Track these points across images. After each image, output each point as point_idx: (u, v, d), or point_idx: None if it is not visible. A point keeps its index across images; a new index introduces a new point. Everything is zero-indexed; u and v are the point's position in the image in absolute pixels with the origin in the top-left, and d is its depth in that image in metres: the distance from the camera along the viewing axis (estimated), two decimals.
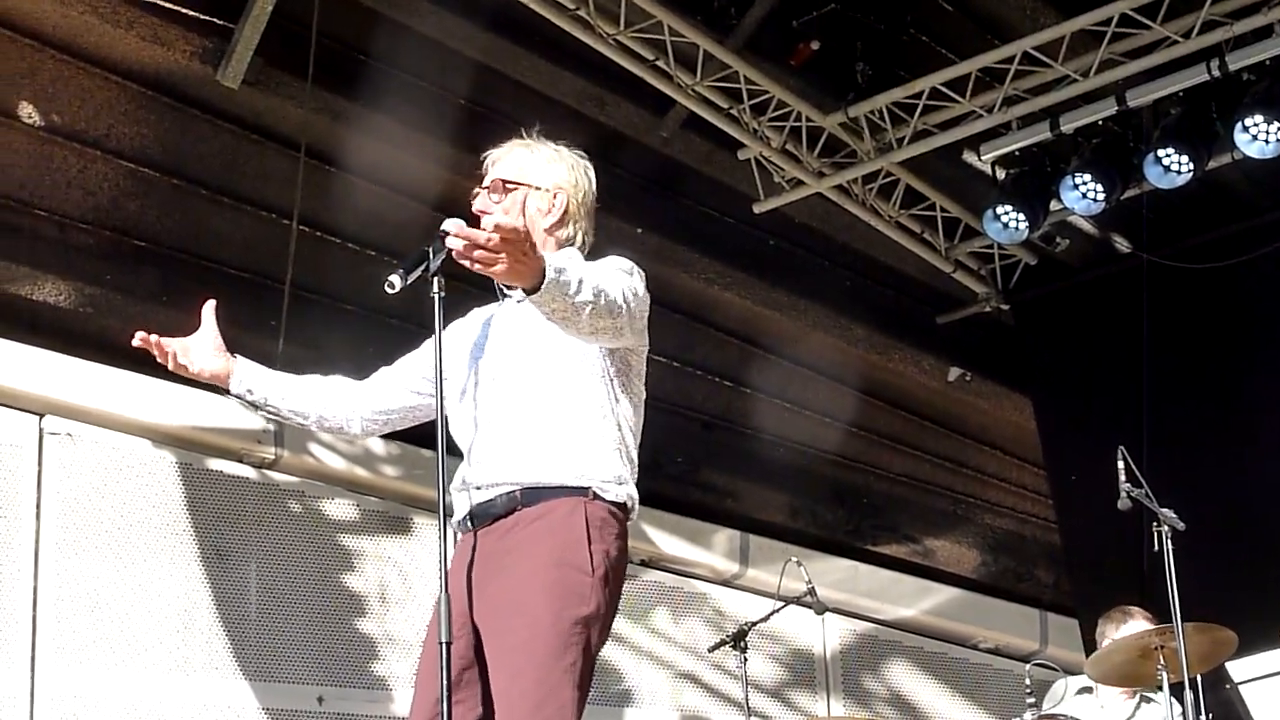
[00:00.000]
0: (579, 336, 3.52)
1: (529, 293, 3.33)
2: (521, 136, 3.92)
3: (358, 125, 7.46)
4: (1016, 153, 8.19)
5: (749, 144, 8.10)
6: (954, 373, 9.98)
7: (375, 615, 7.37)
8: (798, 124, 8.05)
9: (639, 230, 8.15)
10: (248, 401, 4.01)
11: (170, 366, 3.96)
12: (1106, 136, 8.02)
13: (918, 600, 9.86)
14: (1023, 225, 8.25)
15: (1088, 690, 6.71)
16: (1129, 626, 6.46)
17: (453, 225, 3.36)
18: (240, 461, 7.18)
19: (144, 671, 6.66)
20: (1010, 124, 8.02)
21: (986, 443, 10.54)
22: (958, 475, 10.51)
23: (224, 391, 4.01)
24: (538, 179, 3.84)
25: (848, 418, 9.70)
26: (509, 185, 3.82)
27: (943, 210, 8.80)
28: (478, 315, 3.94)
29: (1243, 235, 8.50)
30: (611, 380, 3.70)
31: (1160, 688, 5.87)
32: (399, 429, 4.07)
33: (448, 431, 3.70)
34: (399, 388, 3.98)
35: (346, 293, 7.64)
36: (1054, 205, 8.28)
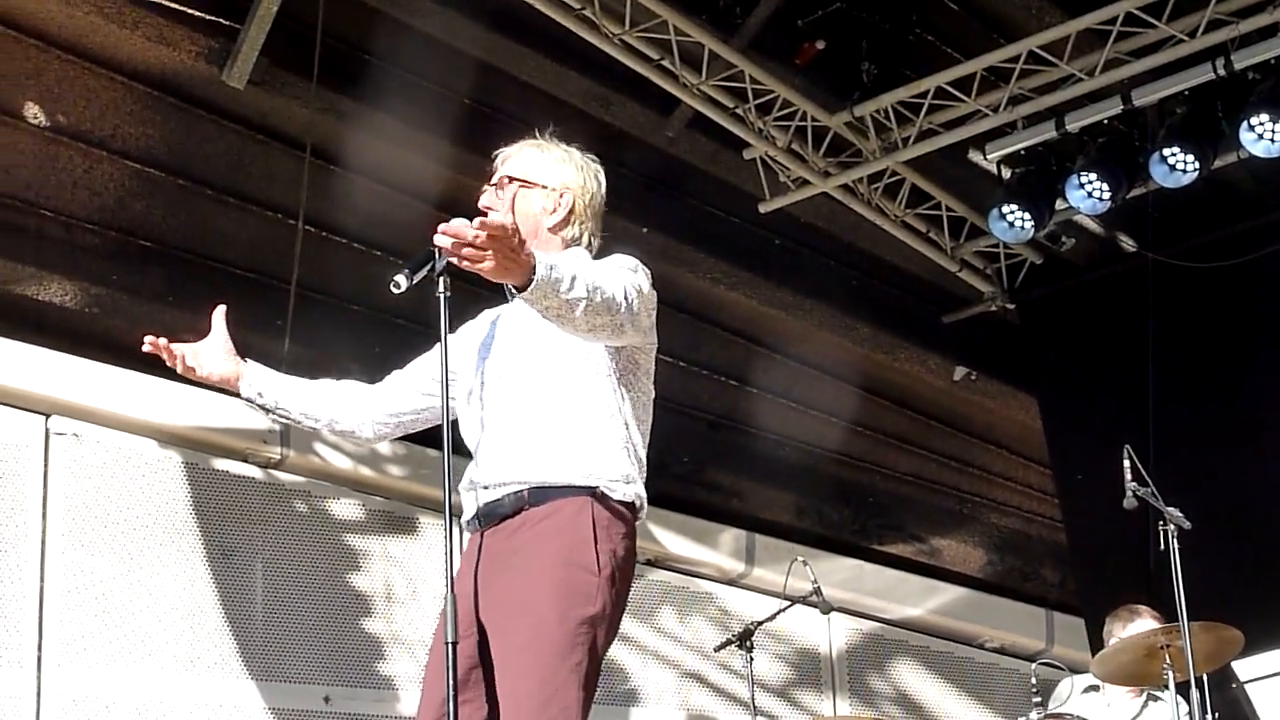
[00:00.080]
0: (578, 334, 3.52)
1: (519, 290, 3.33)
2: (534, 137, 3.92)
3: (363, 125, 7.46)
4: (1022, 152, 8.18)
5: (754, 143, 8.10)
6: (959, 372, 9.97)
7: (382, 615, 7.37)
8: (803, 123, 8.04)
9: (644, 230, 8.15)
10: (258, 405, 4.01)
11: (179, 370, 3.97)
12: (1112, 136, 8.01)
13: (923, 599, 9.86)
14: (1028, 224, 8.25)
15: (1094, 689, 6.72)
16: (1136, 625, 6.46)
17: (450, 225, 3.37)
18: (246, 461, 7.18)
19: (150, 671, 6.66)
20: (1016, 123, 8.01)
21: (992, 442, 10.53)
22: (963, 474, 10.51)
23: (232, 394, 4.02)
24: (545, 178, 3.85)
25: (853, 417, 9.70)
26: (511, 181, 3.83)
27: (948, 209, 8.79)
28: (487, 316, 3.94)
29: (1248, 234, 8.48)
30: (618, 379, 3.70)
31: (1166, 686, 5.87)
32: (411, 432, 4.07)
33: (456, 432, 3.70)
34: (410, 390, 3.98)
35: (352, 293, 7.65)
36: (1059, 204, 8.27)
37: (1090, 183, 8.00)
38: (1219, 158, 7.88)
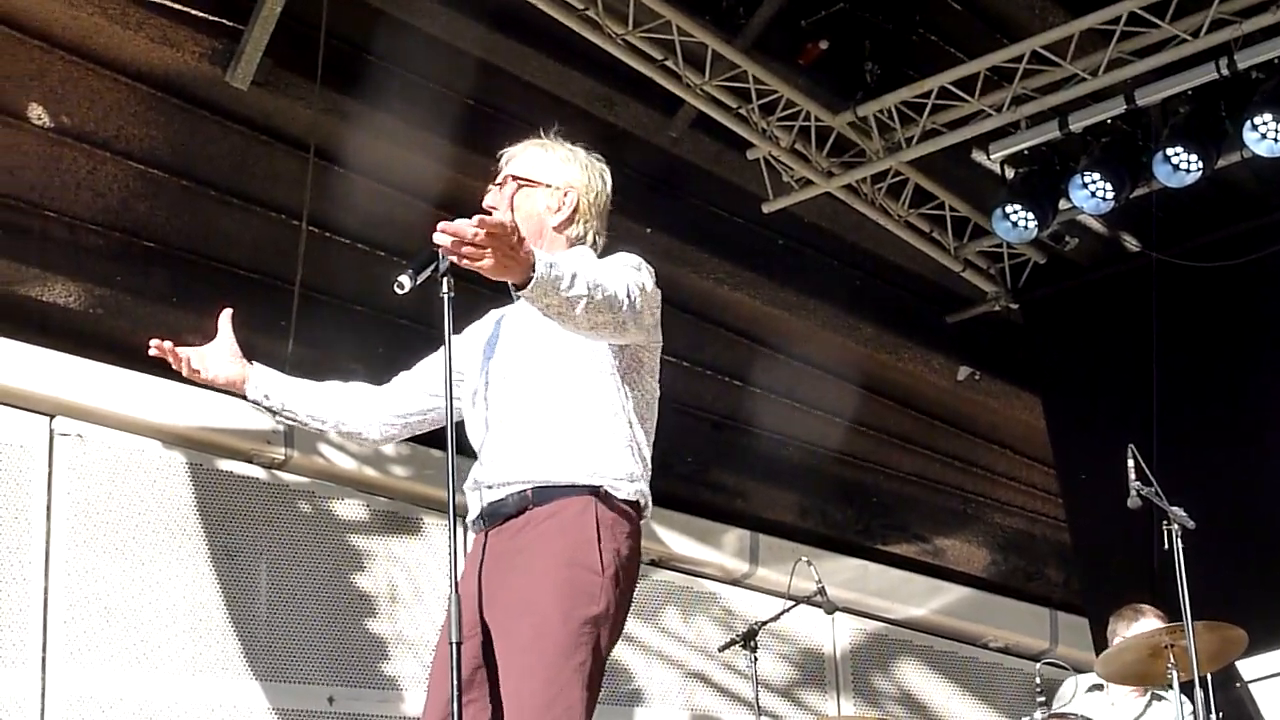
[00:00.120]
0: (580, 332, 3.52)
1: (519, 288, 3.34)
2: (539, 137, 3.93)
3: (367, 126, 7.47)
4: (1025, 152, 8.18)
5: (758, 144, 8.10)
6: (963, 372, 9.97)
7: (386, 615, 7.37)
8: (806, 123, 8.05)
9: (648, 230, 8.14)
10: (265, 407, 4.02)
11: (185, 374, 3.97)
12: (1115, 135, 8.01)
13: (928, 599, 9.85)
14: (1032, 224, 8.24)
15: (1098, 688, 6.72)
16: (1140, 625, 6.46)
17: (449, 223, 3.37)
18: (250, 462, 7.18)
19: (154, 672, 6.66)
20: (1019, 123, 8.01)
21: (996, 442, 10.53)
22: (967, 474, 10.50)
23: (238, 396, 4.02)
24: (549, 177, 3.85)
25: (857, 417, 9.70)
26: (514, 180, 3.83)
27: (952, 209, 8.79)
28: (492, 316, 3.95)
29: (1252, 234, 8.48)
30: (622, 377, 3.70)
31: (1170, 686, 5.87)
32: (418, 433, 4.07)
33: (460, 432, 3.71)
34: (417, 391, 3.99)
35: (356, 293, 7.64)
36: (1063, 204, 8.27)
37: (1094, 182, 8.00)
38: (1222, 157, 7.88)
